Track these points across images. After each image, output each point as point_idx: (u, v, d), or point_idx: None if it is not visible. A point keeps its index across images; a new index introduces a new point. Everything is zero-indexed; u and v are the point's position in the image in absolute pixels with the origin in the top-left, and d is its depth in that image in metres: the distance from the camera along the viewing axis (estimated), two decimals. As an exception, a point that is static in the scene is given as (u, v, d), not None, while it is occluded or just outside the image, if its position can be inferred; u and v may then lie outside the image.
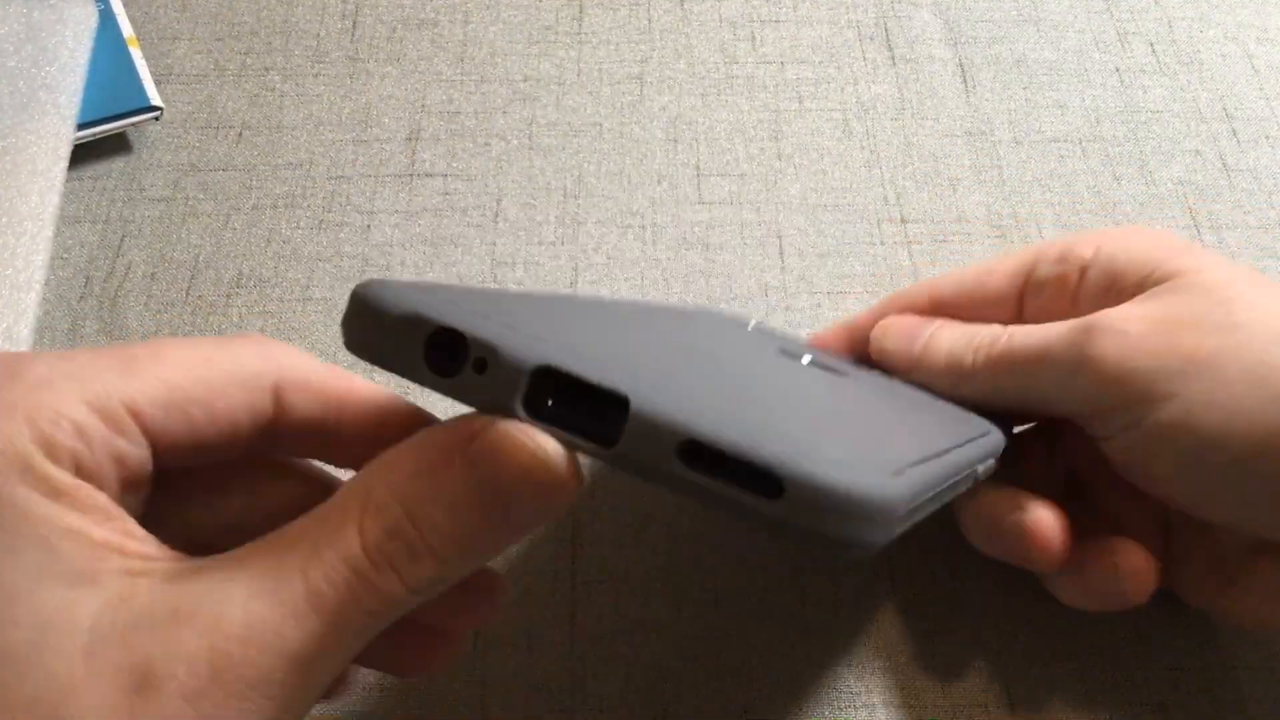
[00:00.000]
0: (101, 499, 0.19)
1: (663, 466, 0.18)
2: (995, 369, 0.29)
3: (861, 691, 0.30)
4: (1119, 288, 0.29)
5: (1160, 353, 0.26)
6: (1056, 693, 0.30)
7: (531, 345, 0.19)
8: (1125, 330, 0.26)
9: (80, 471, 0.19)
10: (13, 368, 0.20)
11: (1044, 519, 0.28)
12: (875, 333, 0.32)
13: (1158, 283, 0.28)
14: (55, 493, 0.19)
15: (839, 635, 0.31)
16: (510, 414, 0.19)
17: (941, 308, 0.32)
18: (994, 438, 0.28)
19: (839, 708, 0.30)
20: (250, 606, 0.18)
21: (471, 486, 0.19)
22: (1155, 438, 0.26)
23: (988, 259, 0.32)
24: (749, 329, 0.33)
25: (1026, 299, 0.31)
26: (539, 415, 0.19)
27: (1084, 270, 0.30)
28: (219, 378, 0.21)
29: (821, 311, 0.38)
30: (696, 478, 0.17)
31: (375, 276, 0.30)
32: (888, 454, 0.20)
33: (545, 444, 0.19)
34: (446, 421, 0.20)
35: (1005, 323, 0.31)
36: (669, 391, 0.18)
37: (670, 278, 0.39)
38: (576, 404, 0.18)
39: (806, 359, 0.30)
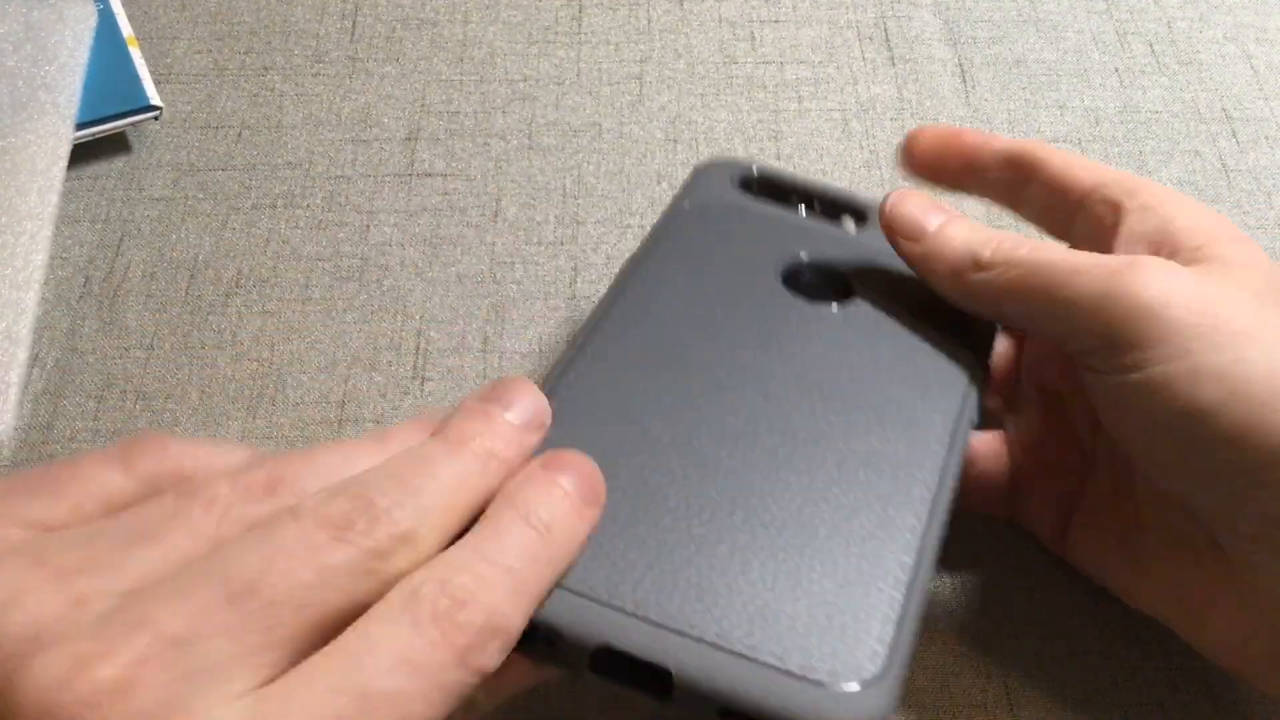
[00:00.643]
0: None
1: (706, 717, 0.22)
2: (1013, 270, 0.28)
3: (861, 691, 0.30)
4: (1170, 247, 0.28)
5: (1197, 311, 0.25)
6: (1056, 693, 0.30)
7: (589, 626, 0.22)
8: (1173, 278, 0.26)
9: None
10: None
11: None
12: (891, 198, 0.30)
13: (1209, 259, 0.27)
14: None
15: (839, 635, 0.31)
16: (580, 674, 0.23)
17: (1036, 185, 0.31)
18: (971, 403, 0.29)
19: (839, 708, 0.30)
20: None
21: None
22: (1151, 389, 0.25)
23: (1084, 159, 0.31)
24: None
25: (1079, 219, 0.30)
26: (602, 672, 0.23)
27: (1140, 214, 0.29)
28: None
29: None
30: None
31: None
32: (867, 643, 0.23)
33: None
34: None
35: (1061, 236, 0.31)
36: (707, 659, 0.22)
37: (670, 278, 0.39)
38: (634, 663, 0.22)
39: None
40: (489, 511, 0.22)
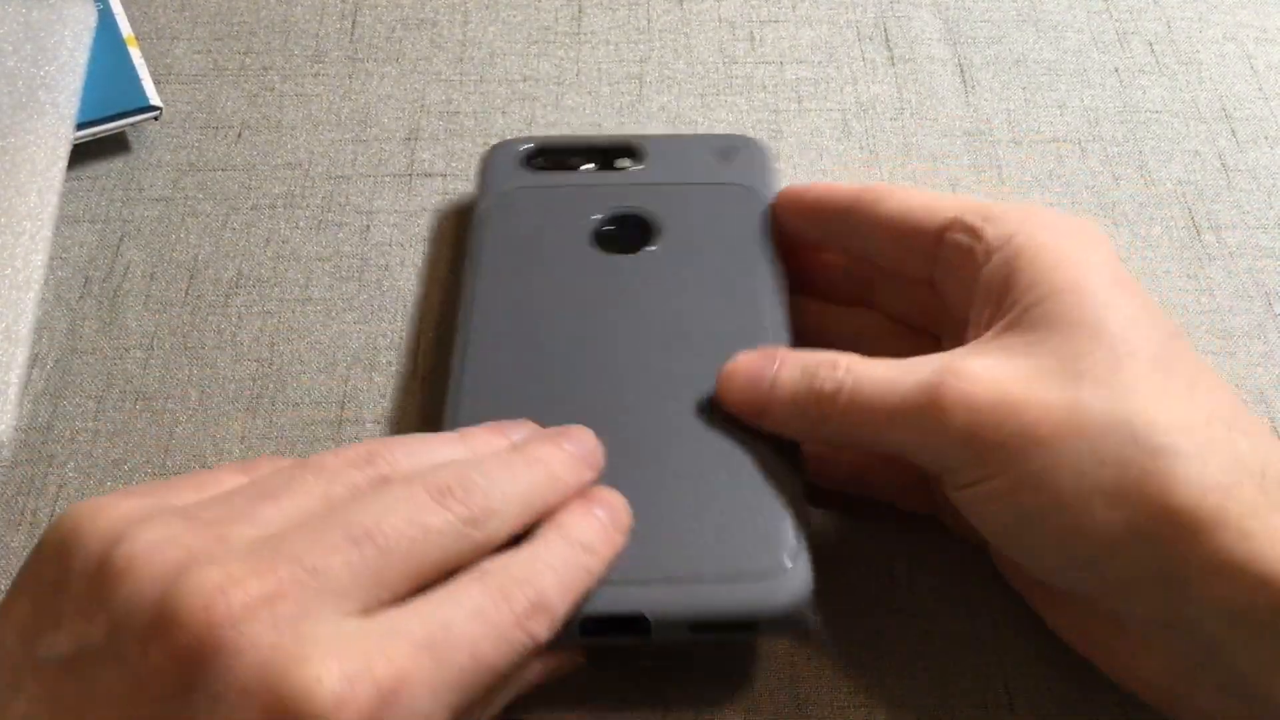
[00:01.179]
0: None
1: (683, 637, 0.28)
2: (843, 422, 0.29)
3: (860, 691, 0.30)
4: (1007, 300, 0.28)
5: (1005, 430, 0.26)
6: (1056, 693, 0.30)
7: None
8: (975, 400, 0.26)
9: None
10: None
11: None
12: (721, 377, 0.31)
13: (1032, 326, 0.27)
14: None
15: (838, 635, 0.31)
16: (574, 641, 0.27)
17: (875, 228, 0.32)
18: (783, 301, 0.34)
19: (838, 708, 0.30)
20: None
21: None
22: (985, 501, 0.27)
23: (932, 194, 0.32)
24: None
25: (941, 253, 0.31)
26: (591, 633, 0.27)
27: (989, 255, 0.29)
28: None
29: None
30: (703, 636, 0.28)
31: None
32: (779, 535, 0.29)
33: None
34: None
35: (920, 273, 0.32)
36: (668, 594, 0.28)
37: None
38: (614, 619, 0.27)
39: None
40: (541, 531, 0.26)
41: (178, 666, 0.21)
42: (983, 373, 0.27)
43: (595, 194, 0.37)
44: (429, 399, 0.36)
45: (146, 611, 0.21)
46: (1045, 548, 0.27)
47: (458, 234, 0.40)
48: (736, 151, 0.38)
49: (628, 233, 0.36)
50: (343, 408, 0.36)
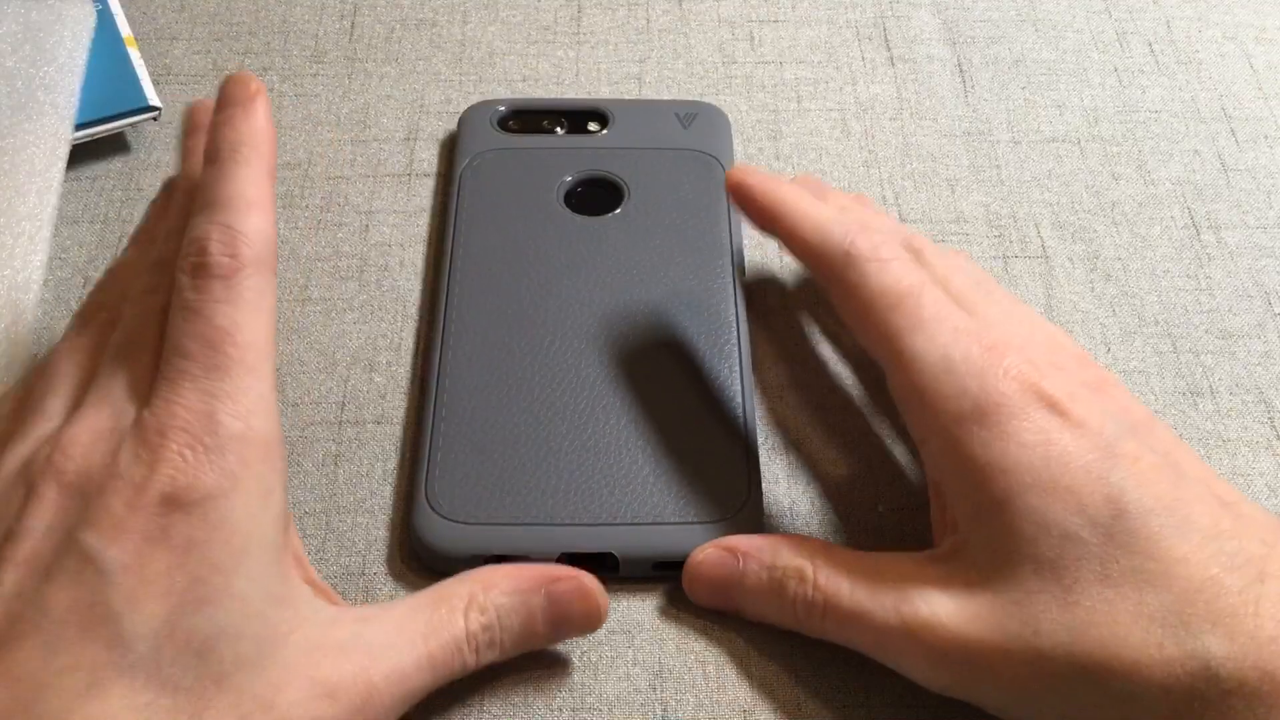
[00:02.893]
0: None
1: (646, 574, 0.32)
2: (826, 631, 0.29)
3: (861, 691, 0.30)
4: (949, 503, 0.29)
5: (978, 678, 0.27)
6: (1056, 692, 0.30)
7: (551, 540, 0.31)
8: (944, 649, 0.27)
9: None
10: None
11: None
12: (686, 574, 0.31)
13: (978, 527, 0.28)
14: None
15: (838, 635, 0.31)
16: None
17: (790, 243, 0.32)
18: (739, 264, 0.38)
19: (838, 707, 0.30)
20: (391, 657, 0.26)
21: (546, 609, 0.29)
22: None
23: (832, 221, 0.32)
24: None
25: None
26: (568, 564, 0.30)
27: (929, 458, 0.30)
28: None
29: (821, 310, 0.38)
30: (666, 574, 0.32)
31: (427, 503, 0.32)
32: (734, 483, 0.33)
33: (603, 596, 0.29)
34: (535, 565, 0.29)
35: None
36: (634, 536, 0.31)
37: (669, 278, 0.39)
38: (587, 555, 0.31)
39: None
40: None
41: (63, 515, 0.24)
42: (947, 621, 0.27)
43: (565, 157, 0.40)
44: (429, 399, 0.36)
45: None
46: None
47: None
48: (696, 118, 0.41)
49: (596, 195, 0.39)
50: (342, 408, 0.36)
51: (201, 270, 0.26)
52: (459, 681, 0.28)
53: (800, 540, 0.31)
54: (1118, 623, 0.25)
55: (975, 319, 0.30)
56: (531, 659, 0.30)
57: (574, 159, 0.40)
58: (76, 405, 0.27)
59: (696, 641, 0.31)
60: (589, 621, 0.29)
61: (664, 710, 0.30)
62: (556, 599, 0.29)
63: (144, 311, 0.28)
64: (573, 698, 0.30)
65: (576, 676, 0.30)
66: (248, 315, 0.26)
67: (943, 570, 0.28)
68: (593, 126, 0.41)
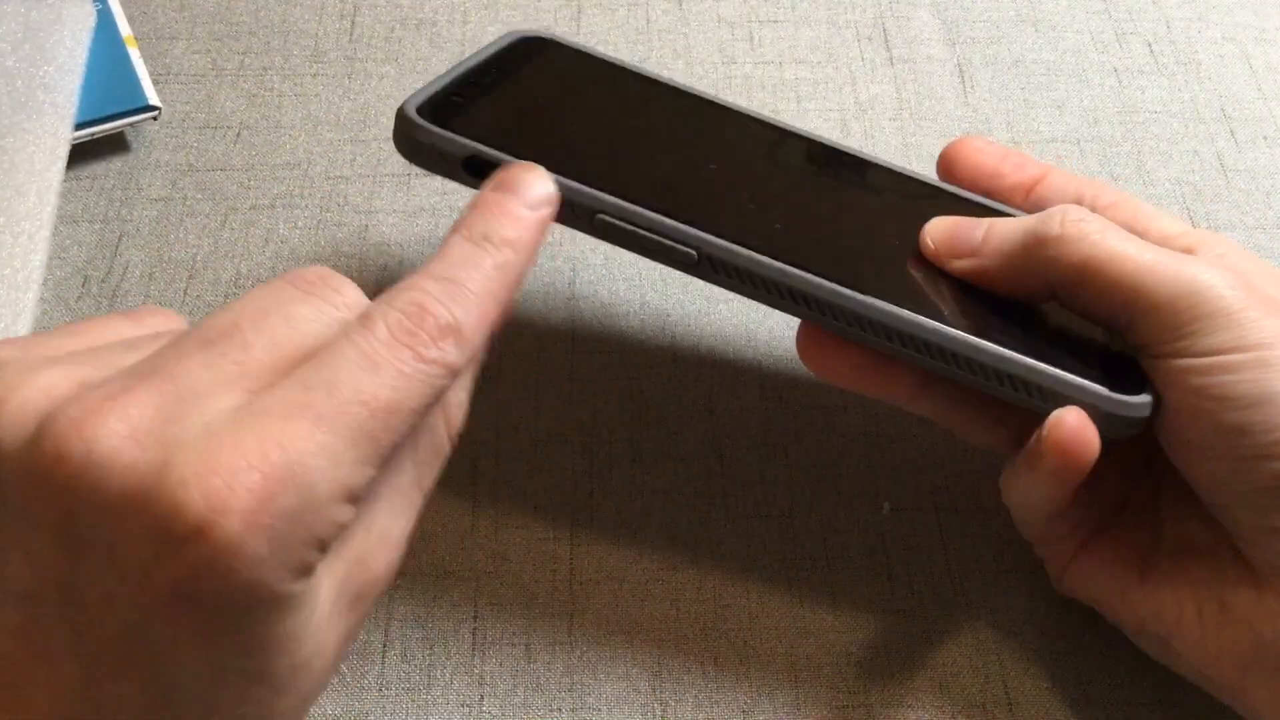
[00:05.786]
0: None
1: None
2: (1083, 251, 0.27)
3: (860, 691, 0.30)
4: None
5: (1256, 304, 0.26)
6: (1056, 693, 0.30)
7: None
8: (1223, 272, 0.26)
9: None
10: None
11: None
12: (927, 231, 0.29)
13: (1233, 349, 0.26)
14: None
15: (837, 635, 0.31)
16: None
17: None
18: None
19: (838, 707, 0.30)
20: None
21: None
22: (1223, 372, 0.26)
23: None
24: None
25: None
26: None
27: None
28: None
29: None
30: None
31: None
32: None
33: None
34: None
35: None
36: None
37: (669, 278, 0.39)
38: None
39: None
40: (443, 241, 0.26)
41: (54, 511, 0.20)
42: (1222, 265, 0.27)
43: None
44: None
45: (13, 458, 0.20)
46: (1269, 437, 0.25)
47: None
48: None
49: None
50: (342, 408, 0.36)
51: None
52: (459, 681, 0.28)
53: None
54: None
55: None
56: (530, 658, 0.30)
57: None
58: None
59: (696, 641, 0.31)
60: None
61: (664, 710, 0.30)
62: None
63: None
64: (573, 698, 0.30)
65: (576, 676, 0.30)
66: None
67: None
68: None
